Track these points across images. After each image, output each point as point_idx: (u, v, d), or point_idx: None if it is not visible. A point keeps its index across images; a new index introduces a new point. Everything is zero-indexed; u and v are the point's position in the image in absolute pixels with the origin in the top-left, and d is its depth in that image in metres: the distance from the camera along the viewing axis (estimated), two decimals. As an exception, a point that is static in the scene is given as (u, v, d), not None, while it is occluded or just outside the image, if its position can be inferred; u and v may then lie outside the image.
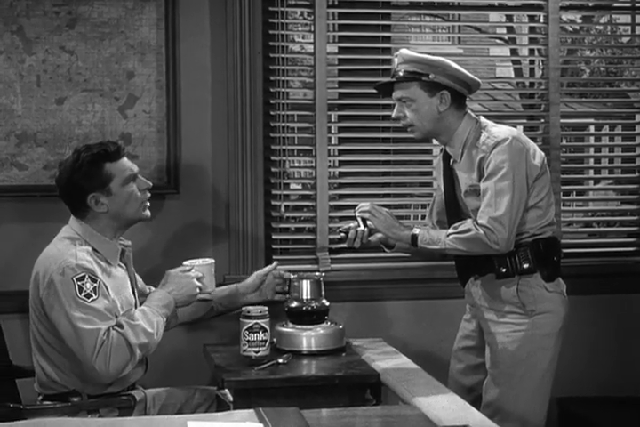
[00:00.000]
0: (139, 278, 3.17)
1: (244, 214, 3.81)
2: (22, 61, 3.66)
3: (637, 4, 4.23)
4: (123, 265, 3.03)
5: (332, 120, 4.10)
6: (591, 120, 4.61)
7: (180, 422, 2.31)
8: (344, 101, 4.03)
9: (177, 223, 3.79)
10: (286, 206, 3.95)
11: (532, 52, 4.43)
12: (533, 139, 3.43)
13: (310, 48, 3.94)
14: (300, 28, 4.18)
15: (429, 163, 4.10)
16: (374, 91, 3.33)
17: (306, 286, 3.29)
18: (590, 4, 4.25)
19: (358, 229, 3.19)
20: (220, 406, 3.05)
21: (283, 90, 3.90)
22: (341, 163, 4.05)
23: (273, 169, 3.91)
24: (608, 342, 4.10)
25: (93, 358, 2.73)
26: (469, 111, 3.18)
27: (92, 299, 2.77)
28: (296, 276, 3.33)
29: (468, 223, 3.03)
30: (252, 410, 2.41)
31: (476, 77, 3.17)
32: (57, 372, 2.88)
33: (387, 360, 3.16)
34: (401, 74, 3.13)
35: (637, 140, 4.26)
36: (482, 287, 3.18)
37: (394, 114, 3.19)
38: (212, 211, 3.82)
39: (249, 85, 3.78)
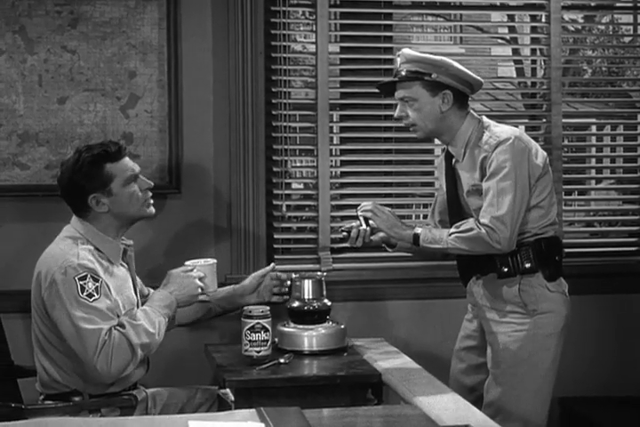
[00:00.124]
0: (138, 280, 3.16)
1: (245, 214, 3.81)
2: (24, 61, 3.66)
3: (639, 4, 4.23)
4: (125, 264, 3.02)
5: (334, 120, 4.10)
6: (593, 120, 4.61)
7: (182, 422, 2.31)
8: (346, 101, 4.03)
9: (179, 223, 3.80)
10: (288, 206, 3.95)
11: (533, 51, 4.43)
12: (535, 139, 3.43)
13: (312, 48, 3.95)
14: (301, 28, 4.18)
15: (431, 162, 4.10)
16: (376, 90, 3.33)
17: (307, 285, 3.29)
18: (592, 4, 4.25)
19: (360, 228, 3.18)
20: (222, 405, 3.04)
21: (284, 89, 3.90)
22: (343, 162, 4.05)
23: (275, 169, 3.91)
24: (610, 342, 4.10)
25: (95, 357, 2.73)
26: (472, 111, 3.18)
27: (93, 298, 2.77)
28: (298, 275, 3.32)
29: (470, 223, 3.03)
30: (253, 410, 2.40)
31: (478, 77, 3.16)
32: (59, 371, 2.88)
33: (388, 360, 3.16)
34: (403, 73, 3.12)
35: (639, 139, 4.25)
36: (483, 287, 3.18)
37: (396, 114, 3.19)
38: (214, 210, 3.82)
39: (251, 85, 3.78)
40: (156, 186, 3.13)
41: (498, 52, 5.41)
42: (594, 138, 5.32)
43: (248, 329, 3.08)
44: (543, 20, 4.17)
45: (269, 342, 3.10)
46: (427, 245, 3.08)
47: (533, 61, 4.54)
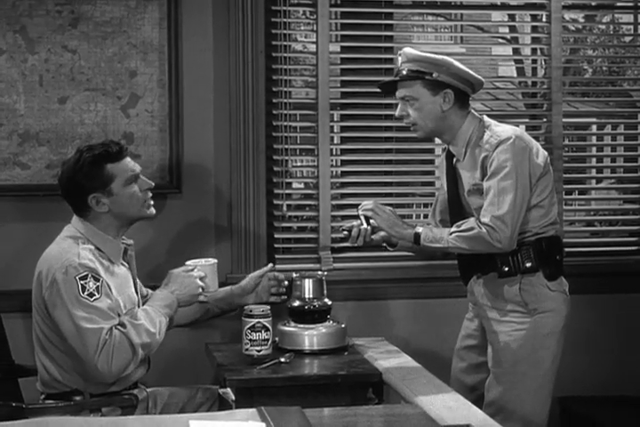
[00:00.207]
0: (138, 281, 3.16)
1: (246, 213, 3.81)
2: (25, 61, 3.66)
3: (640, 4, 4.24)
4: (125, 264, 3.02)
5: (335, 119, 4.10)
6: (593, 119, 4.62)
7: (183, 422, 2.31)
8: (346, 101, 4.03)
9: (179, 223, 3.80)
10: (288, 205, 3.95)
11: (534, 51, 4.43)
12: (536, 138, 3.43)
13: (313, 47, 3.95)
14: (302, 28, 4.18)
15: (432, 162, 4.10)
16: (377, 90, 3.33)
17: (308, 284, 3.29)
18: (593, 4, 4.25)
19: (361, 227, 3.18)
20: (223, 405, 3.04)
21: (285, 89, 3.90)
22: (344, 162, 4.05)
23: (275, 168, 3.91)
24: (610, 342, 4.10)
25: (96, 357, 2.73)
26: (472, 110, 3.18)
27: (94, 298, 2.77)
28: (298, 275, 3.32)
29: (470, 222, 3.03)
30: (254, 409, 2.40)
31: (479, 76, 3.16)
32: (59, 371, 2.88)
33: (389, 359, 3.16)
34: (404, 73, 3.12)
35: (639, 139, 4.25)
36: (484, 286, 3.18)
37: (397, 113, 3.19)
38: (215, 210, 3.82)
39: (251, 84, 3.78)
40: (157, 186, 3.13)
41: (498, 51, 5.40)
42: (594, 137, 5.33)
43: (249, 328, 3.08)
44: (544, 19, 4.17)
45: (270, 342, 3.10)
46: (427, 245, 3.08)
47: (534, 61, 4.54)
